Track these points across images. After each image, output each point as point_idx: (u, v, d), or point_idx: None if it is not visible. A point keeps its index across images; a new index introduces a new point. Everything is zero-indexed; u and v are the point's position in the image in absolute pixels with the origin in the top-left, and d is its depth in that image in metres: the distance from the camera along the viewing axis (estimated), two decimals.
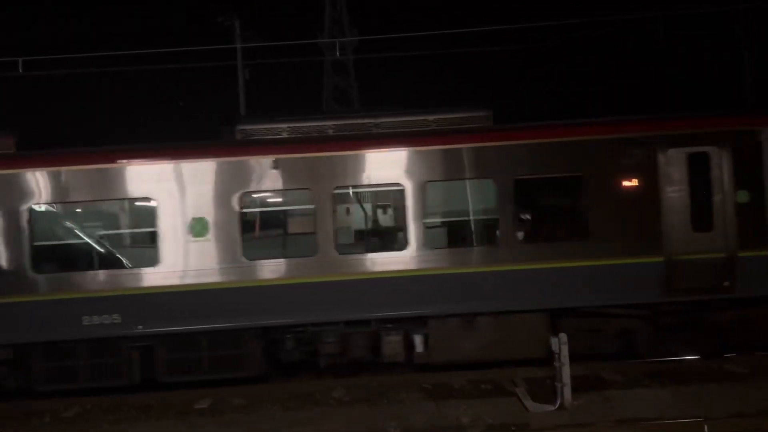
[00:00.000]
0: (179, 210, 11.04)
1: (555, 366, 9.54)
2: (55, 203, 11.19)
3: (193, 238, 10.99)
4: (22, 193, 10.98)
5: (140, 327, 10.89)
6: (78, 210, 11.48)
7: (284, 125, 11.65)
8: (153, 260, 10.99)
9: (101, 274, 11.00)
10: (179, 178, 11.09)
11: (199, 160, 11.16)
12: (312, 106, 43.93)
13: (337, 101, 45.41)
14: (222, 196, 11.07)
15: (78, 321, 10.83)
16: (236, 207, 11.07)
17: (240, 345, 11.13)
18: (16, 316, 10.82)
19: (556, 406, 9.43)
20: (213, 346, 11.11)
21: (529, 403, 9.70)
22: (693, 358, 11.48)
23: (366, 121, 11.72)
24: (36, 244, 10.97)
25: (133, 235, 11.72)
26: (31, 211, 10.98)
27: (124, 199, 11.25)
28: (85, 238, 11.34)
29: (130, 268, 11.09)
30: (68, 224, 11.42)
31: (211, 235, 11.00)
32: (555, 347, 9.50)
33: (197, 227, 10.99)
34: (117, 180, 11.08)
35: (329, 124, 11.68)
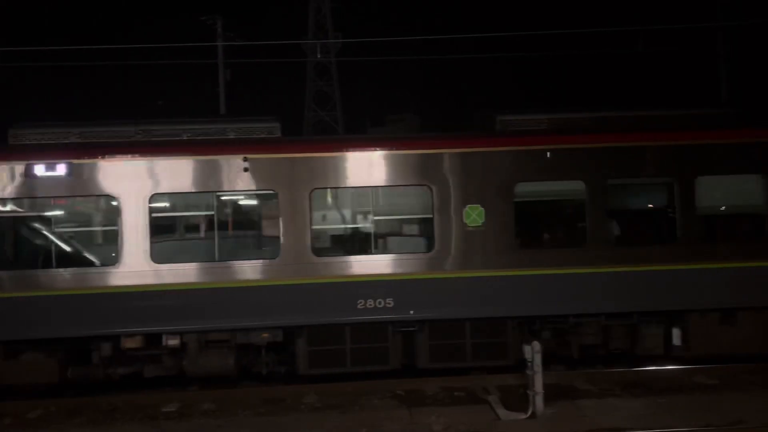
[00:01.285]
0: (454, 198, 11.03)
1: (528, 374, 9.51)
2: (333, 188, 11.17)
3: (468, 227, 10.98)
4: (306, 177, 10.94)
5: (411, 312, 10.88)
6: (354, 195, 11.39)
7: (543, 116, 11.68)
8: (427, 246, 11.08)
9: (377, 259, 11.00)
10: (455, 167, 11.10)
11: (475, 149, 11.14)
12: (294, 108, 43.84)
13: (319, 105, 45.32)
14: (497, 186, 11.08)
15: (353, 304, 10.80)
16: (509, 197, 11.06)
17: (501, 334, 11.12)
18: (292, 299, 10.79)
19: (528, 414, 9.39)
20: (475, 333, 11.10)
21: (501, 411, 9.64)
22: (665, 369, 11.53)
23: (618, 114, 11.73)
24: (315, 227, 11.00)
25: (407, 221, 11.66)
26: (312, 195, 10.95)
27: (399, 185, 11.21)
28: (361, 223, 11.37)
29: (404, 253, 11.07)
30: (345, 209, 11.46)
31: (485, 223, 11.00)
32: (528, 355, 9.47)
33: (472, 215, 10.97)
34: (392, 167, 11.07)
35: (586, 117, 11.69)
